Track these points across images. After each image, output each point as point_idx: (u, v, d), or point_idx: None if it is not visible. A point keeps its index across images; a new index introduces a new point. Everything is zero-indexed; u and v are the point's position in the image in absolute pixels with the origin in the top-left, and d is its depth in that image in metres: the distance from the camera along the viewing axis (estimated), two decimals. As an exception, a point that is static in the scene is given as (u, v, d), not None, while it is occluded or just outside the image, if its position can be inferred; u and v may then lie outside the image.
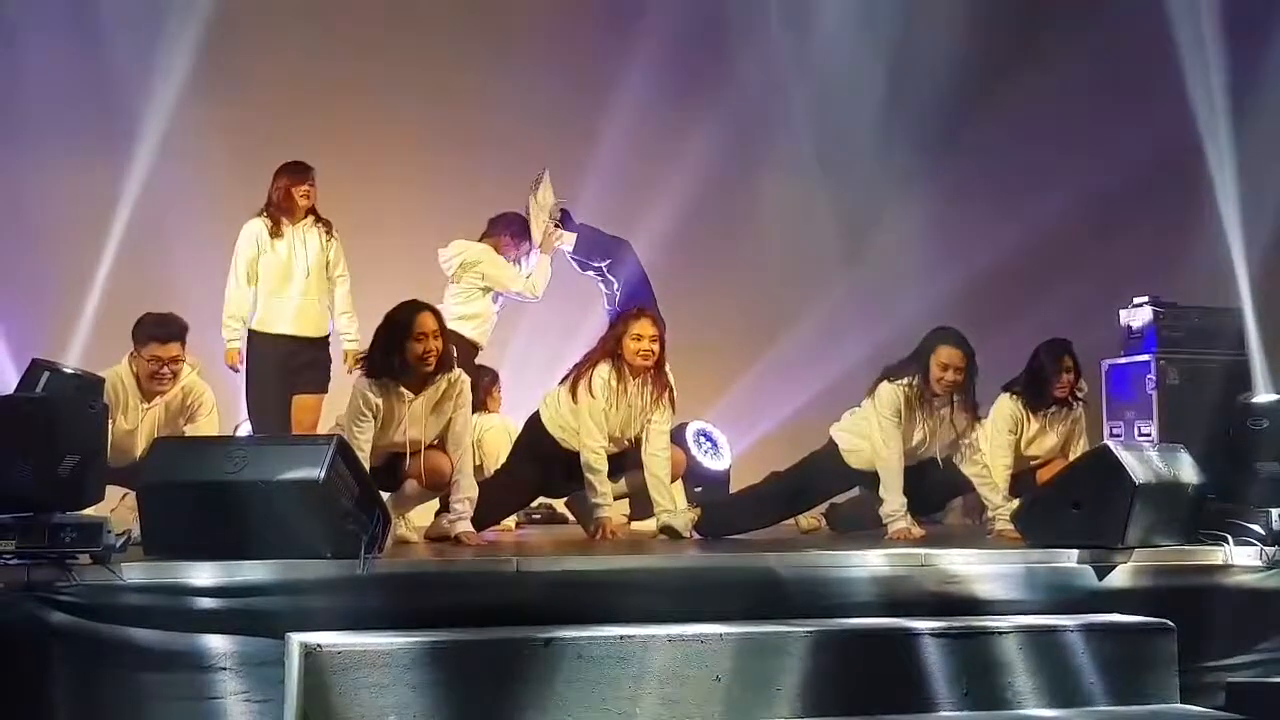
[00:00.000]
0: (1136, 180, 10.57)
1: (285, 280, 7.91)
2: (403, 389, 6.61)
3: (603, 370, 7.23)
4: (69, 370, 6.48)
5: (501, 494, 7.39)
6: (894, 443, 7.22)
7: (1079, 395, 8.10)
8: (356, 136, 10.01)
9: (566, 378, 7.40)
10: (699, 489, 8.62)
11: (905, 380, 7.26)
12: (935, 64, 10.58)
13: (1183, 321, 9.14)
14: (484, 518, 6.94)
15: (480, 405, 8.28)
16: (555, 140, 10.34)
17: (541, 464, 7.43)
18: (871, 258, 10.71)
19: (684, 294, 9.20)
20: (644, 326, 7.26)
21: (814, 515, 7.72)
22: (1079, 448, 7.94)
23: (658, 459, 7.26)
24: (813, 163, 10.58)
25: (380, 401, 6.57)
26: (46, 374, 6.20)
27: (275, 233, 7.90)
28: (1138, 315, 9.21)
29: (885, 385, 7.29)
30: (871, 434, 7.28)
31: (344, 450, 5.67)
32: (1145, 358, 9.08)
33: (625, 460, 7.38)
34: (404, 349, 6.56)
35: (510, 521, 7.87)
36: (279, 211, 7.94)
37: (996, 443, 7.73)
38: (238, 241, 7.93)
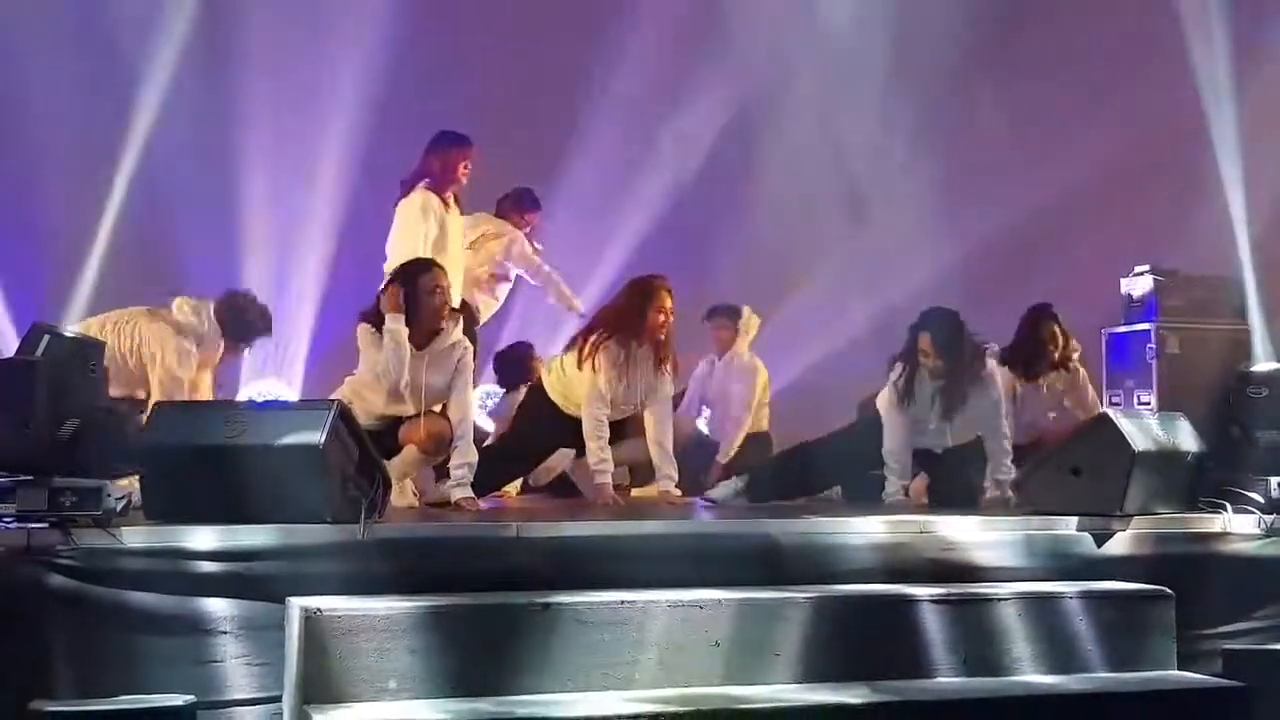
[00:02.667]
0: (1140, 149, 10.53)
1: (439, 252, 7.49)
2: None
3: (611, 340, 7.21)
4: (69, 334, 6.47)
5: (503, 460, 7.40)
6: (895, 432, 7.28)
7: (1072, 357, 8.10)
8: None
9: (571, 345, 7.40)
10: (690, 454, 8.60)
11: (895, 376, 7.31)
12: (941, 29, 10.54)
13: (1183, 290, 9.09)
14: (485, 483, 6.95)
15: (529, 378, 8.31)
16: (560, 103, 10.32)
17: (543, 430, 7.43)
18: (876, 224, 10.69)
19: (688, 259, 9.18)
20: (664, 299, 7.25)
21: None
22: (1087, 404, 7.99)
23: (660, 426, 7.27)
24: (817, 128, 10.54)
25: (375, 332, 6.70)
26: (47, 337, 6.18)
27: (445, 205, 7.60)
28: (1138, 284, 9.17)
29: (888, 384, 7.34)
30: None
31: (345, 415, 5.68)
32: (1145, 326, 9.03)
33: (626, 427, 7.38)
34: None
35: (511, 488, 7.88)
36: (445, 183, 7.61)
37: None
38: (414, 213, 7.55)
